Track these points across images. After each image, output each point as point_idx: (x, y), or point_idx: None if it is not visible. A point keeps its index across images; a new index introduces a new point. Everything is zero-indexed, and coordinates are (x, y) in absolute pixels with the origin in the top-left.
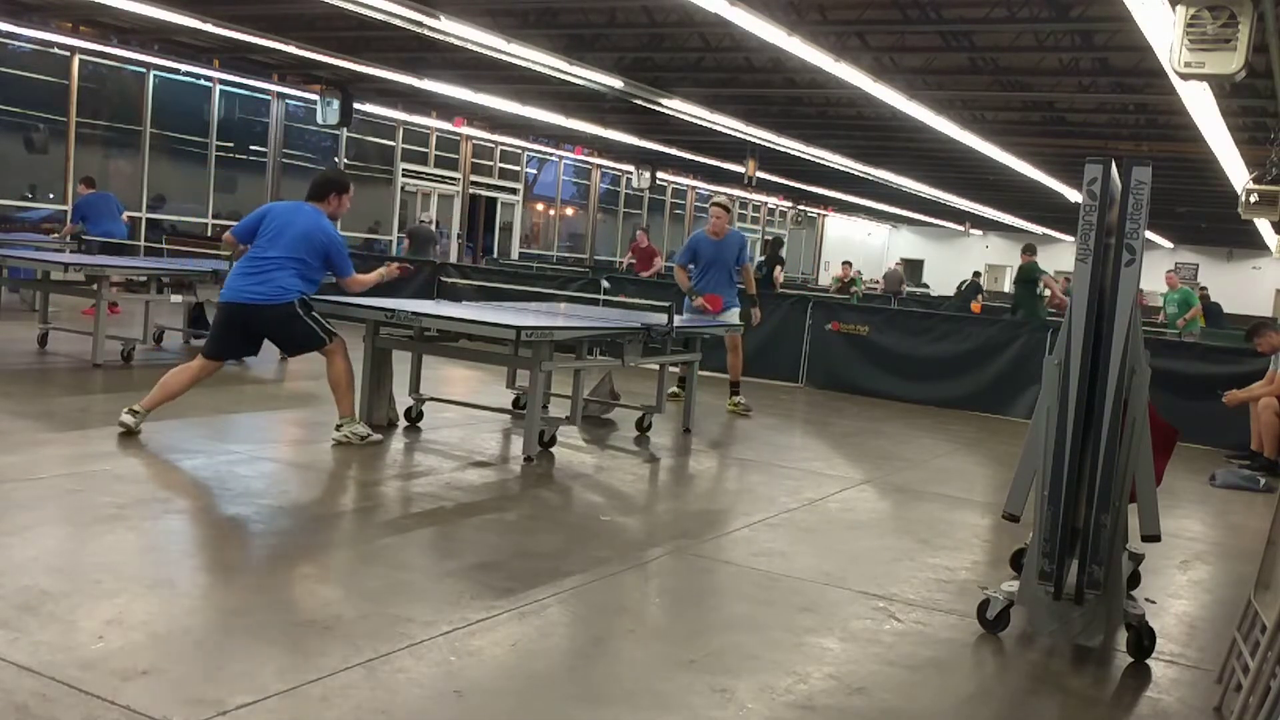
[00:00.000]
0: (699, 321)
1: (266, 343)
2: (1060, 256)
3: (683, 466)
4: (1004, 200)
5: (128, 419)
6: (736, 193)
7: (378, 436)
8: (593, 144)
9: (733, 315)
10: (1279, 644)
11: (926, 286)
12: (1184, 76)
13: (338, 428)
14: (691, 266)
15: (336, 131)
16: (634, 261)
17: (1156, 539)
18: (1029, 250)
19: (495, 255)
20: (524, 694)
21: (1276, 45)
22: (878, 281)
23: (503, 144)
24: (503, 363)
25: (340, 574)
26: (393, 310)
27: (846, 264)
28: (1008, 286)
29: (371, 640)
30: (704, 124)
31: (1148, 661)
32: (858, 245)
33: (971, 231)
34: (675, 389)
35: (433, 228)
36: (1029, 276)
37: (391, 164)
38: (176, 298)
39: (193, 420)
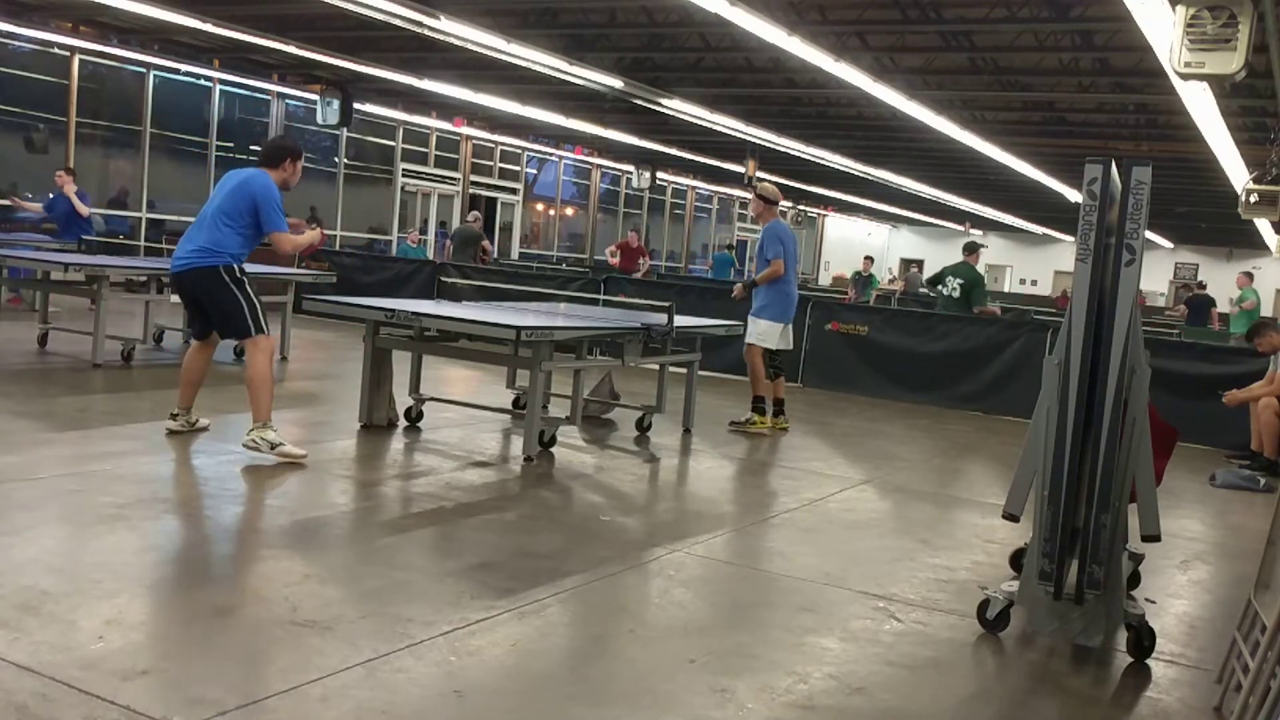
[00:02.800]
0: (705, 321)
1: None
2: (1060, 256)
3: (683, 466)
4: (1004, 200)
5: (171, 424)
6: (736, 193)
7: (299, 452)
8: (593, 144)
9: (755, 324)
10: (1279, 644)
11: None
12: (1184, 76)
13: (248, 432)
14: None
15: (336, 131)
16: (616, 258)
17: (1156, 539)
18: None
19: (495, 255)
20: (524, 694)
21: (1276, 45)
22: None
23: (503, 144)
24: (503, 363)
25: (340, 574)
26: (393, 310)
27: (869, 259)
28: (1008, 286)
29: (371, 640)
30: (704, 124)
31: (1148, 661)
32: (858, 245)
33: (971, 231)
34: (767, 416)
35: (478, 227)
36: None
37: (391, 164)
38: (176, 298)
39: (206, 420)
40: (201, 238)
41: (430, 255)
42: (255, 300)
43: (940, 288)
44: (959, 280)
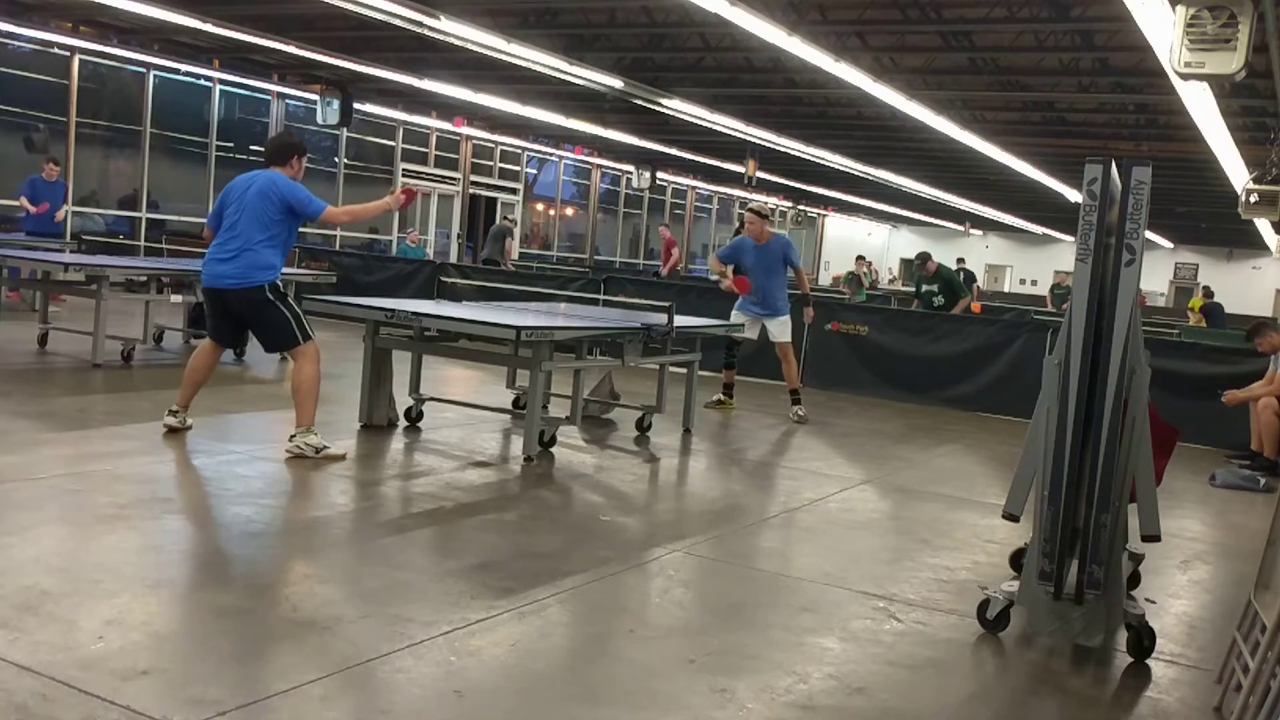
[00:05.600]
0: (705, 321)
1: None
2: (1060, 256)
3: (683, 466)
4: (1004, 200)
5: (170, 420)
6: (737, 193)
7: (338, 450)
8: (593, 144)
9: (780, 324)
10: (1279, 644)
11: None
12: (1184, 76)
13: (291, 438)
14: (731, 267)
15: (336, 131)
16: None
17: (1156, 539)
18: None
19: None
20: (524, 694)
21: (1276, 45)
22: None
23: (503, 144)
24: (503, 363)
25: (340, 574)
26: (393, 310)
27: (861, 258)
28: (1008, 287)
29: (371, 640)
30: (704, 124)
31: (1148, 661)
32: (858, 245)
33: (971, 231)
34: (721, 397)
35: (511, 225)
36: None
37: (391, 164)
38: (176, 298)
39: (193, 420)
40: (240, 253)
41: (430, 255)
42: (298, 309)
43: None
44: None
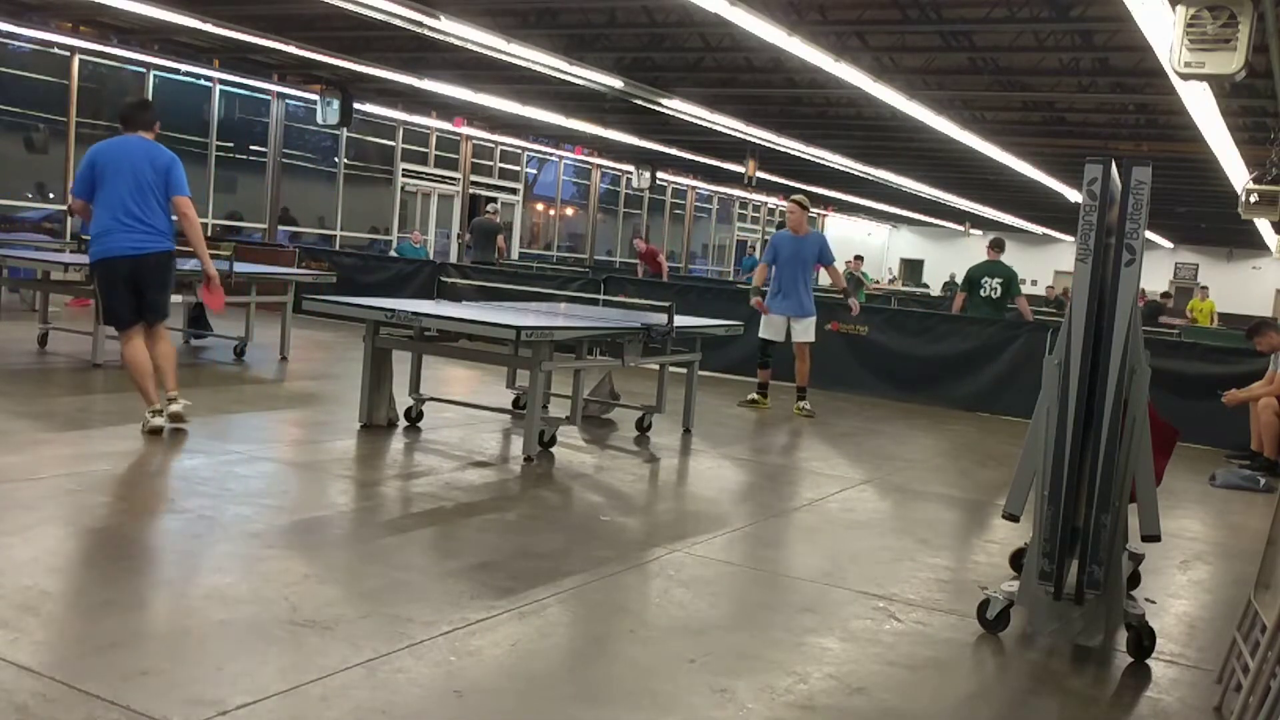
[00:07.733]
0: (705, 321)
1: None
2: (1060, 256)
3: (683, 466)
4: (1004, 200)
5: (159, 420)
6: (737, 193)
7: (159, 422)
8: (593, 144)
9: (806, 324)
10: (1279, 644)
11: (926, 287)
12: (1184, 76)
13: (164, 407)
14: (773, 265)
15: (336, 131)
16: (645, 265)
17: (1156, 539)
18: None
19: (508, 254)
20: (524, 694)
21: (1276, 45)
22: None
23: (503, 144)
24: (503, 363)
25: (340, 574)
26: (393, 310)
27: (859, 257)
28: None
29: (371, 640)
30: (704, 124)
31: (1148, 661)
32: (858, 245)
33: (971, 231)
34: (755, 396)
35: (497, 220)
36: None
37: (391, 164)
38: (176, 298)
39: (193, 420)
40: (150, 219)
41: (430, 255)
42: None
43: (980, 291)
44: (997, 280)
